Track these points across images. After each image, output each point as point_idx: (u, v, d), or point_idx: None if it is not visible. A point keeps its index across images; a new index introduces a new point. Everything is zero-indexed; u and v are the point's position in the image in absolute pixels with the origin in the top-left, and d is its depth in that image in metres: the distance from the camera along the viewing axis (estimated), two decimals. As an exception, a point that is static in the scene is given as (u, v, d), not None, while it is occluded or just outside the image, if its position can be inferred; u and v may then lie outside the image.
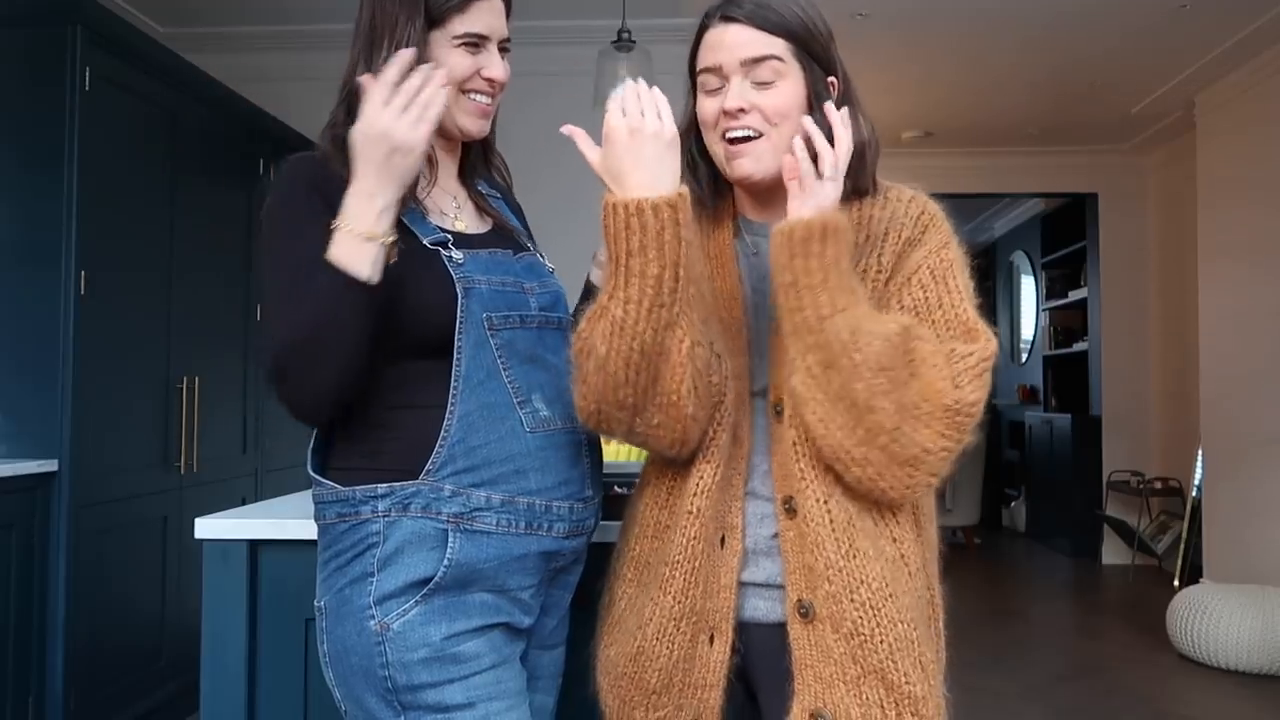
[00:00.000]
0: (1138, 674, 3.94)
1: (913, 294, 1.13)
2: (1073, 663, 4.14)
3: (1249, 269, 4.61)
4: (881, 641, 1.08)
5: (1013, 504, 7.82)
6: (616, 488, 1.40)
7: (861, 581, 1.09)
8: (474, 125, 1.28)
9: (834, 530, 1.10)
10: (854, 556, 1.09)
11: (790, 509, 1.13)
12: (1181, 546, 5.41)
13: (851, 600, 1.09)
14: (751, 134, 1.16)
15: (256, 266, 1.18)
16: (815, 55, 1.18)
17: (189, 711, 3.18)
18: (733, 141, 1.17)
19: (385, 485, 1.15)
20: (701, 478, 1.16)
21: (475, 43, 1.25)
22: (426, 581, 1.14)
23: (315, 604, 1.21)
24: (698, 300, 1.12)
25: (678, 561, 1.16)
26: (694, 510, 1.15)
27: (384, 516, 1.15)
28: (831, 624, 1.09)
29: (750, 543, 1.16)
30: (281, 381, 1.10)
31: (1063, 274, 7.17)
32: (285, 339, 1.09)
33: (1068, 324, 7.12)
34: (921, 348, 1.06)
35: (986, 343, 1.10)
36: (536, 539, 1.20)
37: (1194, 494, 5.34)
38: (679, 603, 1.16)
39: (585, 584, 1.34)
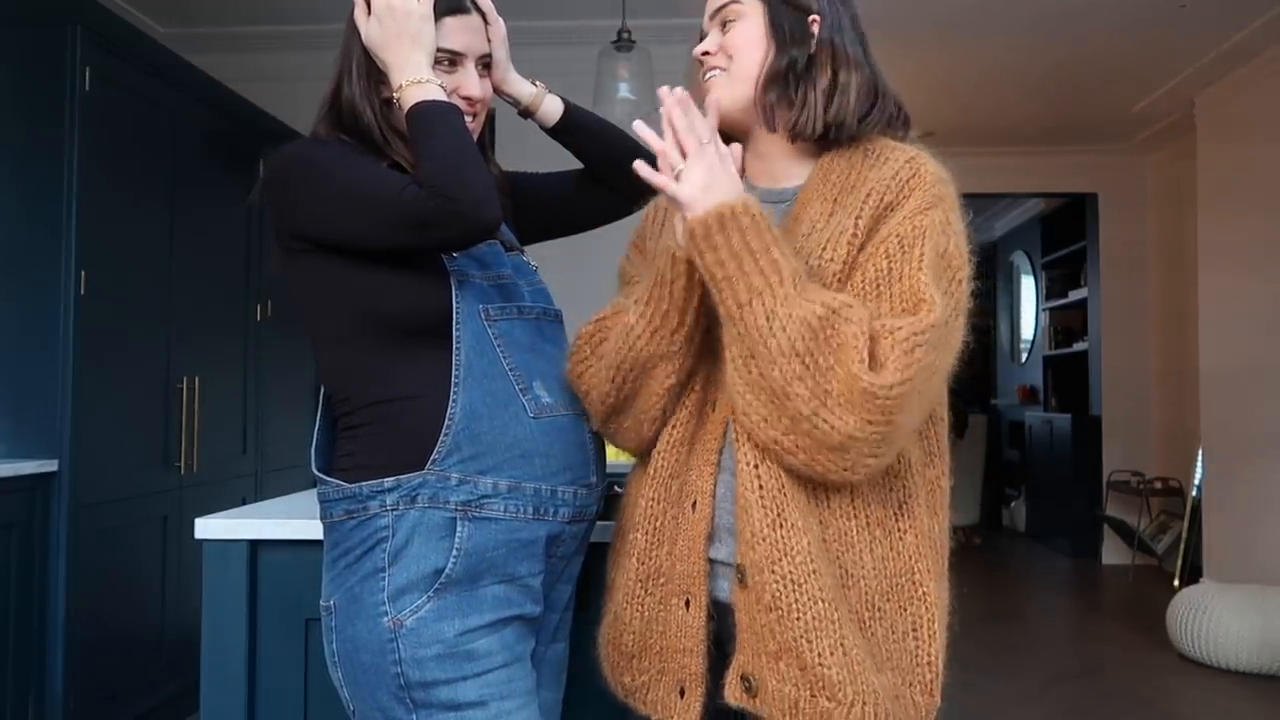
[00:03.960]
0: (1138, 674, 3.94)
1: (876, 264, 1.07)
2: (1073, 663, 4.14)
3: (1249, 269, 4.61)
4: (798, 618, 1.04)
5: (1013, 504, 7.82)
6: (616, 487, 1.40)
7: (785, 553, 1.05)
8: None
9: (762, 497, 1.07)
10: (780, 526, 1.06)
11: (722, 461, 1.15)
12: (1181, 546, 5.41)
13: (773, 571, 1.05)
14: (717, 72, 1.23)
15: (313, 192, 1.21)
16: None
17: (189, 711, 3.18)
18: (706, 80, 1.24)
19: (392, 479, 1.15)
20: (659, 441, 1.19)
21: (451, 60, 1.26)
22: (438, 573, 1.14)
23: (322, 603, 1.21)
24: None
25: (638, 524, 1.18)
26: (651, 472, 1.18)
27: (392, 510, 1.15)
28: (755, 593, 1.07)
29: (720, 518, 1.14)
30: (452, 199, 1.13)
31: (1063, 274, 7.17)
32: (439, 164, 1.14)
33: (1068, 324, 7.12)
34: (845, 330, 1.00)
35: (926, 313, 1.02)
36: (544, 524, 1.21)
37: (1194, 494, 5.34)
38: (642, 564, 1.17)
39: (586, 582, 1.34)
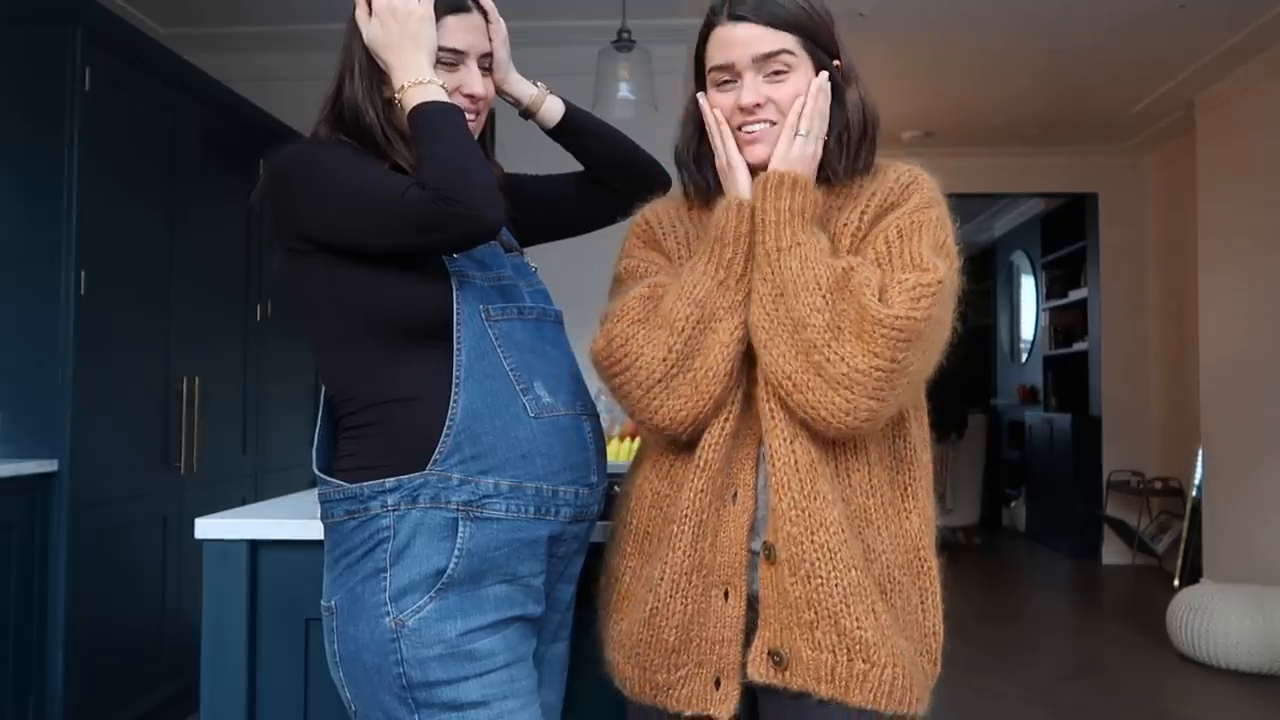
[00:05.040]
0: (1138, 674, 3.94)
1: (875, 249, 1.18)
2: (1073, 663, 4.14)
3: (1249, 268, 4.61)
4: (837, 585, 1.11)
5: (1013, 504, 7.82)
6: (616, 487, 1.40)
7: (821, 524, 1.12)
8: None
9: (798, 471, 1.14)
10: (815, 499, 1.13)
11: (762, 453, 1.18)
12: (1181, 546, 5.41)
13: (811, 541, 1.12)
14: (765, 126, 1.22)
15: (314, 193, 1.20)
16: (821, 43, 1.23)
17: (189, 711, 3.18)
18: (749, 132, 1.22)
19: (393, 479, 1.15)
20: (710, 432, 1.19)
21: (452, 60, 1.26)
22: (440, 574, 1.14)
23: (323, 604, 1.20)
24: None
25: (685, 516, 1.18)
26: (701, 464, 1.19)
27: (393, 510, 1.15)
28: (790, 566, 1.12)
29: (760, 510, 1.18)
30: (454, 201, 1.12)
31: (1063, 274, 7.17)
32: (441, 166, 1.14)
33: (1068, 324, 7.11)
34: (860, 273, 1.12)
35: (930, 272, 1.13)
36: (545, 524, 1.21)
37: (1194, 494, 5.34)
38: (689, 557, 1.18)
39: (586, 582, 1.34)
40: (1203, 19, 4.13)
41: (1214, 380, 4.91)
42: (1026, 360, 7.95)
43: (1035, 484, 7.24)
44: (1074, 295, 6.90)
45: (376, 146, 1.26)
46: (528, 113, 1.42)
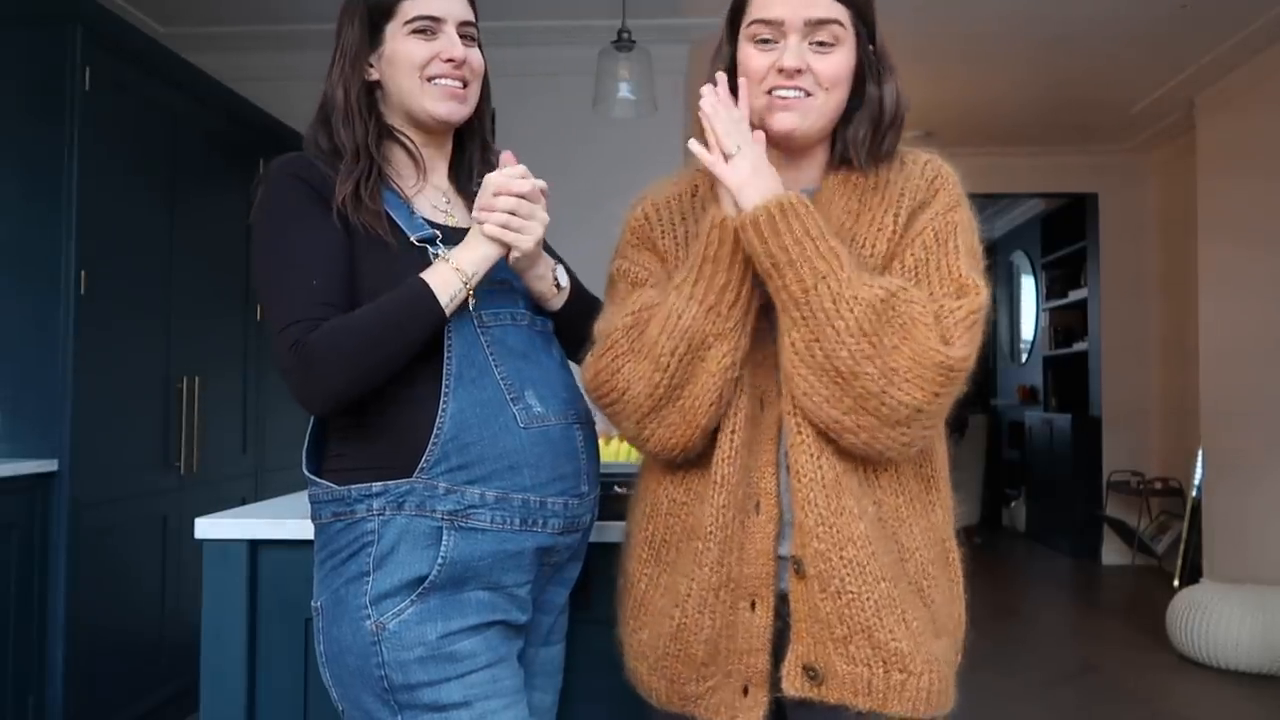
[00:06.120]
0: (1138, 674, 3.94)
1: (914, 254, 1.15)
2: (1073, 663, 4.14)
3: (1249, 268, 4.61)
4: (868, 599, 1.10)
5: (1013, 504, 7.82)
6: (616, 487, 1.39)
7: (849, 539, 1.10)
8: (443, 108, 1.26)
9: (824, 487, 1.11)
10: (841, 514, 1.11)
11: (788, 466, 1.15)
12: (1181, 546, 5.41)
13: (840, 557, 1.10)
14: (800, 95, 1.17)
15: (256, 261, 1.24)
16: (867, 23, 1.20)
17: (189, 711, 3.18)
18: (781, 97, 1.17)
19: (380, 484, 1.15)
20: (720, 446, 1.16)
21: (428, 27, 1.24)
22: (421, 580, 1.14)
23: (312, 604, 1.21)
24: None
25: (710, 533, 1.16)
26: (719, 479, 1.16)
27: (379, 515, 1.15)
28: (819, 582, 1.11)
29: (786, 515, 1.16)
30: (297, 372, 1.14)
31: (1063, 274, 7.17)
32: (346, 334, 1.13)
33: (1068, 324, 7.11)
34: (910, 309, 1.07)
35: (975, 296, 1.12)
36: (532, 535, 1.19)
37: (1194, 494, 5.34)
38: (715, 573, 1.16)
39: (584, 583, 1.34)
40: (1203, 19, 4.13)
41: (1214, 380, 4.91)
42: (1026, 360, 7.95)
43: (1035, 484, 7.24)
44: (1074, 295, 6.90)
45: (343, 140, 1.23)
46: (540, 298, 1.35)
